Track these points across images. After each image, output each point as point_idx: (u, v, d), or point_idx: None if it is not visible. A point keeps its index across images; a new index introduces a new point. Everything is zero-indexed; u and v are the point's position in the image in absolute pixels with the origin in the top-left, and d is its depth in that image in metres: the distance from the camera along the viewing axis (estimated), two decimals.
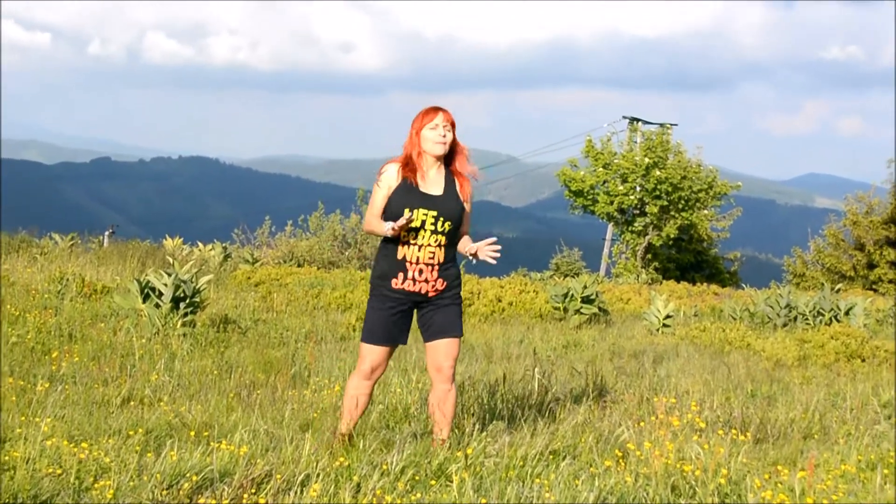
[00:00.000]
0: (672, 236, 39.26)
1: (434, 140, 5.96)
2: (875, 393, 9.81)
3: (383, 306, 6.02)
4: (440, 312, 6.04)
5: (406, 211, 5.88)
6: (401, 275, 5.95)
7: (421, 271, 5.94)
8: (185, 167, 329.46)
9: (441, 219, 5.92)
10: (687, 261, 41.28)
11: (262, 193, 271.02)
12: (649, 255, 40.18)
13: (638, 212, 39.96)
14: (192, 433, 6.19)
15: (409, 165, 6.00)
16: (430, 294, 6.00)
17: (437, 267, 5.96)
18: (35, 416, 6.27)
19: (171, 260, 12.76)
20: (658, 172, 38.77)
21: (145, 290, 11.21)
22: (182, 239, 27.92)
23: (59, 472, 5.02)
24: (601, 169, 40.01)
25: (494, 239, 6.02)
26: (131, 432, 5.99)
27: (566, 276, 34.09)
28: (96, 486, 4.90)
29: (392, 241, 5.97)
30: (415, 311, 6.13)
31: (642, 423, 6.77)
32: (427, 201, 5.93)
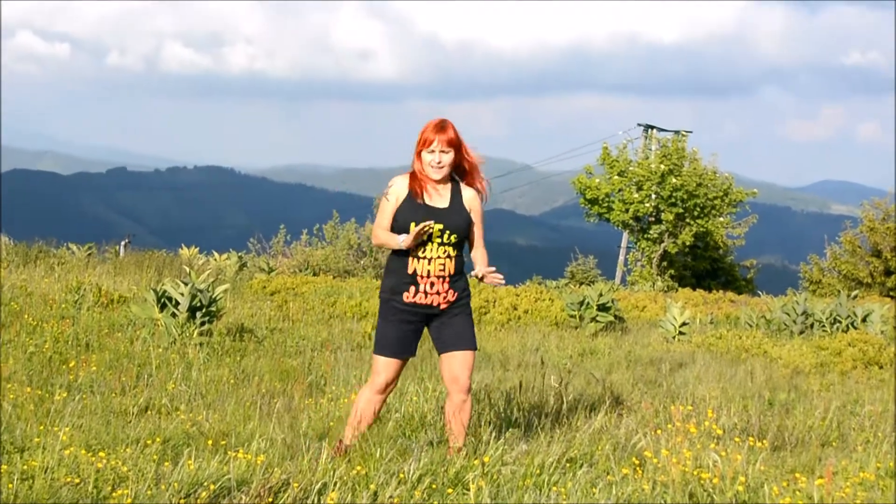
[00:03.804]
0: (688, 244, 39.14)
1: (430, 164, 5.97)
2: (893, 400, 9.76)
3: (395, 318, 6.03)
4: (452, 325, 6.05)
5: (412, 225, 5.89)
6: (412, 288, 5.96)
7: (432, 284, 5.96)
8: (200, 177, 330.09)
9: (447, 231, 5.93)
10: (703, 268, 41.12)
11: (278, 203, 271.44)
12: (665, 263, 40.07)
13: (653, 219, 39.88)
14: (210, 442, 6.20)
15: (416, 179, 6.02)
16: (443, 306, 6.02)
17: (447, 279, 5.98)
18: (53, 426, 6.29)
19: (187, 269, 12.78)
20: (674, 180, 38.69)
21: (162, 300, 11.24)
22: (198, 248, 28.01)
23: (77, 481, 5.03)
24: (616, 177, 39.95)
25: (494, 269, 6.00)
26: (149, 441, 6.01)
27: (581, 283, 34.05)
28: (114, 495, 4.91)
29: (402, 255, 5.97)
30: (426, 325, 6.14)
31: (659, 431, 6.76)
32: (432, 214, 5.94)
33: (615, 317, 17.20)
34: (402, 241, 5.85)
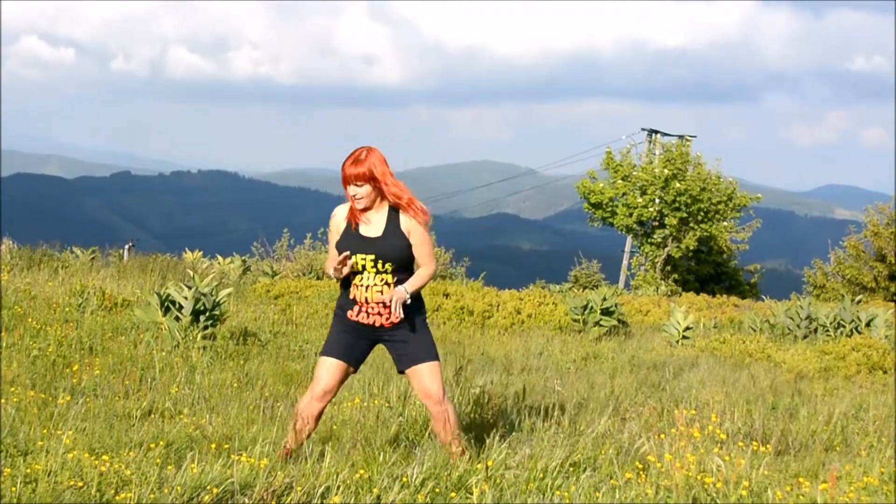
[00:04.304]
0: (691, 248, 39.17)
1: (351, 197, 5.97)
2: None
3: (344, 327, 6.07)
4: (410, 343, 6.03)
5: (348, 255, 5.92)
6: (356, 307, 5.99)
7: (374, 307, 5.97)
8: (204, 181, 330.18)
9: (380, 261, 5.91)
10: (706, 272, 41.14)
11: (282, 207, 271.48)
12: (668, 267, 40.08)
13: (657, 224, 39.90)
14: (213, 445, 6.20)
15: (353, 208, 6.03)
16: (386, 325, 5.99)
17: (388, 304, 5.91)
18: (57, 429, 6.30)
19: (190, 273, 12.79)
20: (677, 184, 38.73)
21: (165, 304, 11.24)
22: (202, 252, 28.00)
23: (80, 484, 5.03)
24: (620, 181, 40.00)
25: (401, 299, 5.80)
26: (152, 445, 6.01)
27: (585, 288, 34.05)
28: (117, 498, 4.91)
29: (345, 281, 6.02)
30: (377, 344, 6.15)
31: (663, 435, 6.75)
32: (365, 245, 5.93)
33: (619, 321, 17.19)
34: (330, 271, 5.90)
